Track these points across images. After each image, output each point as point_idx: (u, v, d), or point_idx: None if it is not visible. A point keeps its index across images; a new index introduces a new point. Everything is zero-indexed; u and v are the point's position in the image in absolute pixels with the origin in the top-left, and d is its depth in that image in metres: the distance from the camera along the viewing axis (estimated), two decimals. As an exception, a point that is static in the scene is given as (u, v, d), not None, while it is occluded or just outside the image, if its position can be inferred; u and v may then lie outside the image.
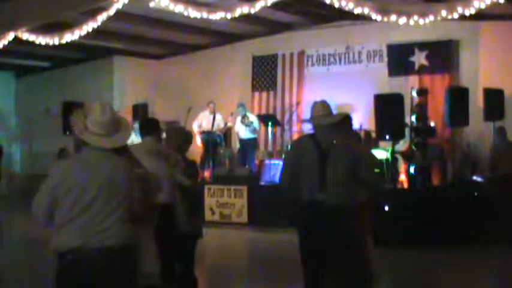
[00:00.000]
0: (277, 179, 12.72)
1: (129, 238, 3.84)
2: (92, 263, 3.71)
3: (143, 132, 5.76)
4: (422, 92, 12.21)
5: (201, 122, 14.16)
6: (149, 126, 5.78)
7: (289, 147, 6.34)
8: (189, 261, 5.78)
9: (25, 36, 12.33)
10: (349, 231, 5.22)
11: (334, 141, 5.26)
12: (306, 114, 14.64)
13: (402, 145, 11.81)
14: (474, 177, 11.47)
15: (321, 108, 5.35)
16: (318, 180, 5.14)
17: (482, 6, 9.94)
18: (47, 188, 3.75)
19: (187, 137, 6.03)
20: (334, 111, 5.55)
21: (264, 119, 14.09)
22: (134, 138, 14.69)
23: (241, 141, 13.98)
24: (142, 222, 4.20)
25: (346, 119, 5.87)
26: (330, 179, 5.14)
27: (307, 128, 14.05)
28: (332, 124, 5.29)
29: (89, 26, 11.77)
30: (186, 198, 5.55)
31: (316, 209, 5.15)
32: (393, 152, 11.27)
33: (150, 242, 4.69)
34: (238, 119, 13.92)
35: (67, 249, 3.71)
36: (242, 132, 13.88)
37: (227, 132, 14.52)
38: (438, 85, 12.98)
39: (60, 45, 12.72)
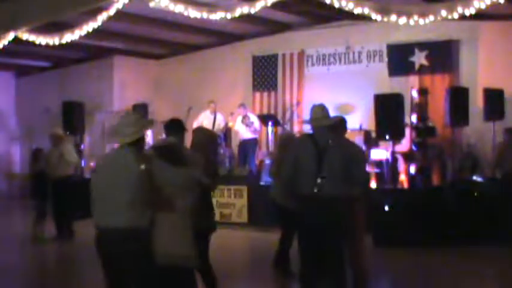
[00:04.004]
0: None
1: (136, 221, 4.50)
2: (103, 240, 4.57)
3: (167, 132, 6.04)
4: (422, 92, 12.20)
5: (202, 122, 14.14)
6: (173, 127, 6.00)
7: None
8: (206, 258, 5.98)
9: (25, 36, 12.31)
10: (340, 222, 5.79)
11: (330, 142, 5.88)
12: (307, 114, 14.63)
13: (403, 145, 11.80)
14: (474, 177, 11.47)
15: (320, 110, 6.04)
16: (315, 175, 5.74)
17: (482, 6, 9.94)
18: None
19: (213, 138, 6.48)
20: (335, 112, 5.88)
21: (264, 119, 14.08)
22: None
23: (242, 141, 13.96)
24: (163, 209, 4.68)
25: (342, 121, 6.60)
26: (325, 175, 5.73)
27: (307, 128, 14.09)
28: (329, 126, 5.98)
29: (89, 26, 11.76)
30: (205, 196, 5.83)
31: (312, 199, 5.73)
32: (393, 152, 11.27)
33: (176, 226, 4.87)
34: (239, 119, 13.91)
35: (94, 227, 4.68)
36: (243, 132, 13.87)
37: (227, 132, 14.50)
38: (438, 85, 12.98)
39: (60, 45, 12.70)
